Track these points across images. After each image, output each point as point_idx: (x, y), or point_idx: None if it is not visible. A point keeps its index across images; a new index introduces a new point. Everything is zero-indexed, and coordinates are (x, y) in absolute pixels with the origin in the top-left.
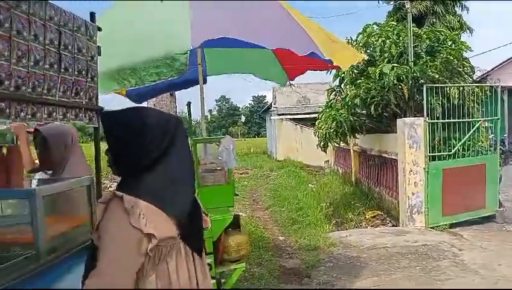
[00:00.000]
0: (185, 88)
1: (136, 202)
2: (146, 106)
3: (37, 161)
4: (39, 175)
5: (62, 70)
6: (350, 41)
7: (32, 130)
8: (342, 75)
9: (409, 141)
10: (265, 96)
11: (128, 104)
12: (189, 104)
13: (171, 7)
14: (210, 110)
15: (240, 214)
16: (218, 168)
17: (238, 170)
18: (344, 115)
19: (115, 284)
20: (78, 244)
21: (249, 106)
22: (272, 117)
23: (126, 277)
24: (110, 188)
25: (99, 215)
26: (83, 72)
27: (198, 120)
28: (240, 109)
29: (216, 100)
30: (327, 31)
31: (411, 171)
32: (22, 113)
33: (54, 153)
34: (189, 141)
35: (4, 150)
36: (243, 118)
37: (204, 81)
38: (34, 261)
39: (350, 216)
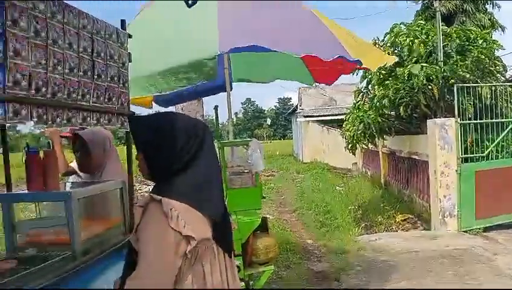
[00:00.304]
0: (212, 94)
1: (174, 204)
2: (173, 110)
3: (71, 164)
4: (73, 178)
5: (95, 76)
6: (377, 41)
7: (66, 134)
8: (369, 76)
9: (440, 142)
10: (290, 98)
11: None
12: (216, 107)
13: (199, 12)
14: (236, 113)
15: (267, 216)
16: (246, 170)
17: (264, 172)
18: (372, 116)
19: (155, 286)
20: (111, 246)
21: (274, 108)
22: (297, 119)
23: (166, 279)
24: (139, 191)
25: (137, 219)
26: (115, 79)
27: (224, 123)
28: (266, 112)
29: (242, 103)
30: (354, 34)
31: (442, 173)
32: (58, 118)
33: (94, 158)
34: (217, 144)
35: (41, 154)
36: (269, 121)
37: (230, 88)
38: (70, 261)
39: (379, 219)
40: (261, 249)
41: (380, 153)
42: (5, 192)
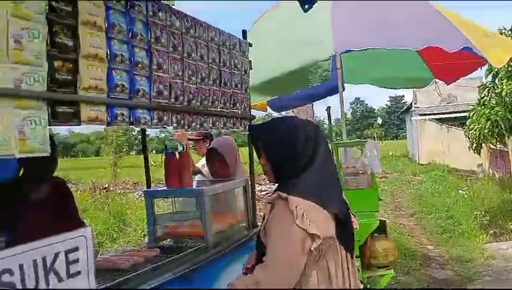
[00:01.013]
0: (325, 97)
1: (299, 202)
2: (286, 114)
3: (196, 165)
4: (198, 177)
5: (222, 84)
6: (504, 31)
7: (192, 137)
8: (496, 69)
9: None
10: (403, 96)
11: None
12: (329, 108)
13: (313, 15)
14: (345, 113)
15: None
16: (361, 171)
17: (377, 174)
18: (500, 113)
19: (280, 279)
20: (236, 240)
21: (385, 106)
22: (412, 118)
23: (290, 273)
24: None
25: (266, 215)
26: (239, 86)
27: (332, 123)
28: (376, 111)
29: (350, 103)
30: (479, 25)
31: None
32: (193, 123)
33: (230, 167)
34: (331, 145)
35: (177, 155)
36: (379, 120)
37: (342, 88)
38: (204, 252)
39: (511, 227)
40: (380, 252)
41: (510, 153)
42: (145, 189)
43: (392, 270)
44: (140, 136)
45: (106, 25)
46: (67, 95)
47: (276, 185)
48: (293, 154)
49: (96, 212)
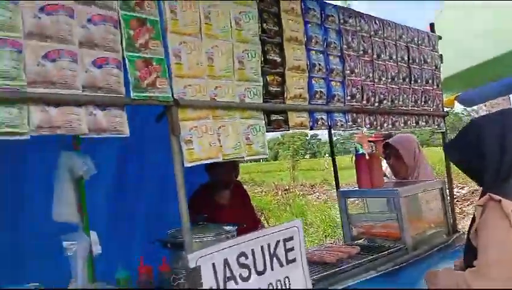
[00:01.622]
0: None
1: None
2: (478, 108)
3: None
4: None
5: (412, 82)
6: None
7: (372, 138)
8: None
9: None
10: None
11: None
12: None
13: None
14: None
15: None
16: None
17: None
18: None
19: (496, 284)
20: (436, 245)
21: None
22: None
23: (507, 279)
24: None
25: (477, 217)
26: (430, 81)
27: None
28: None
29: None
30: None
31: None
32: (385, 123)
33: (406, 163)
34: None
35: (366, 156)
36: None
37: None
38: (403, 254)
39: None
40: None
41: None
42: (335, 190)
43: None
44: (312, 141)
45: (305, 38)
46: (278, 104)
47: (482, 186)
48: (489, 162)
49: (280, 212)
